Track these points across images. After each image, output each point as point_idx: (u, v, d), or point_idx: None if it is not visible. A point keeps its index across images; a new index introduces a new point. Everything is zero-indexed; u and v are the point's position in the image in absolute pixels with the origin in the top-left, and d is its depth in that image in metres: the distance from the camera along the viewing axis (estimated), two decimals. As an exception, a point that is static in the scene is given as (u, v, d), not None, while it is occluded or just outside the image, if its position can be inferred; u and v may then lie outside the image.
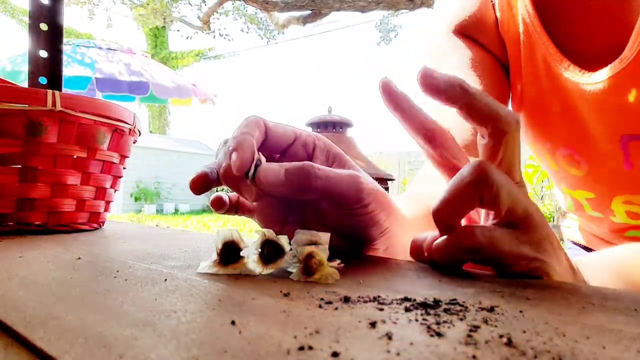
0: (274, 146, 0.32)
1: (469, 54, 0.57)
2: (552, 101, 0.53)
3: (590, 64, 0.48)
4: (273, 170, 0.28)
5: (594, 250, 0.68)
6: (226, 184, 0.30)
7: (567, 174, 0.58)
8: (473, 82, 0.56)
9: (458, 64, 0.57)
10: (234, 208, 0.38)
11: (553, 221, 4.73)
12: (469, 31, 0.57)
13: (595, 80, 0.47)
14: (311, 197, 0.29)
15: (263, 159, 0.29)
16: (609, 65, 0.46)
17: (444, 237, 0.28)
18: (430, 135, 0.32)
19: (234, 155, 0.27)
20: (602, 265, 0.38)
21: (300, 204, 0.35)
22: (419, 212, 0.42)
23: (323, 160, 0.33)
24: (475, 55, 0.57)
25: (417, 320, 0.18)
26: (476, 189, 0.26)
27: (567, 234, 0.76)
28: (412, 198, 0.49)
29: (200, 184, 0.31)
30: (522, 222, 0.27)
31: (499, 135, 0.28)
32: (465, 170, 0.27)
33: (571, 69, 0.49)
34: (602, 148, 0.51)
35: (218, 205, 0.37)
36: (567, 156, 0.55)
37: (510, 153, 0.28)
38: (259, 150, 0.29)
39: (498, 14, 0.56)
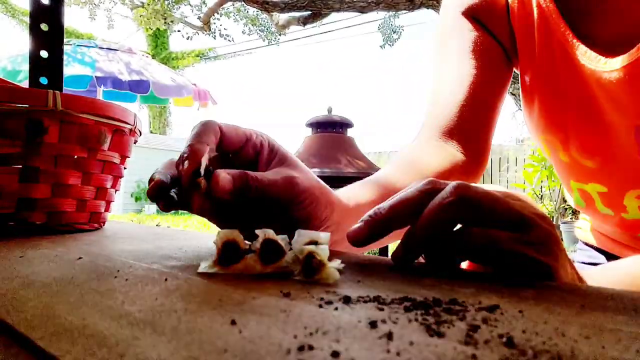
0: (228, 147, 0.36)
1: (472, 36, 0.58)
2: (568, 88, 0.52)
3: (607, 52, 0.47)
4: (224, 176, 0.31)
5: (606, 251, 0.67)
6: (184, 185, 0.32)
7: (579, 166, 0.57)
8: (471, 66, 0.57)
9: (459, 46, 0.58)
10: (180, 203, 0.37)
11: (553, 221, 4.71)
12: (478, 14, 0.58)
13: (611, 68, 0.46)
14: (251, 197, 0.33)
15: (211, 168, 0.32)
16: (626, 54, 0.45)
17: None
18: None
19: (185, 163, 0.31)
20: (606, 277, 0.38)
21: (250, 207, 0.38)
22: (368, 197, 0.46)
23: (265, 159, 0.38)
24: (479, 39, 0.58)
25: (417, 320, 0.18)
26: (458, 211, 0.27)
27: (579, 235, 0.75)
28: (369, 182, 0.50)
29: (156, 191, 0.33)
30: (521, 224, 0.27)
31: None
32: (444, 192, 0.28)
33: (588, 54, 0.48)
34: (617, 139, 0.50)
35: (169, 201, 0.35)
36: (581, 147, 0.54)
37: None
38: (215, 149, 0.35)
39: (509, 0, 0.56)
